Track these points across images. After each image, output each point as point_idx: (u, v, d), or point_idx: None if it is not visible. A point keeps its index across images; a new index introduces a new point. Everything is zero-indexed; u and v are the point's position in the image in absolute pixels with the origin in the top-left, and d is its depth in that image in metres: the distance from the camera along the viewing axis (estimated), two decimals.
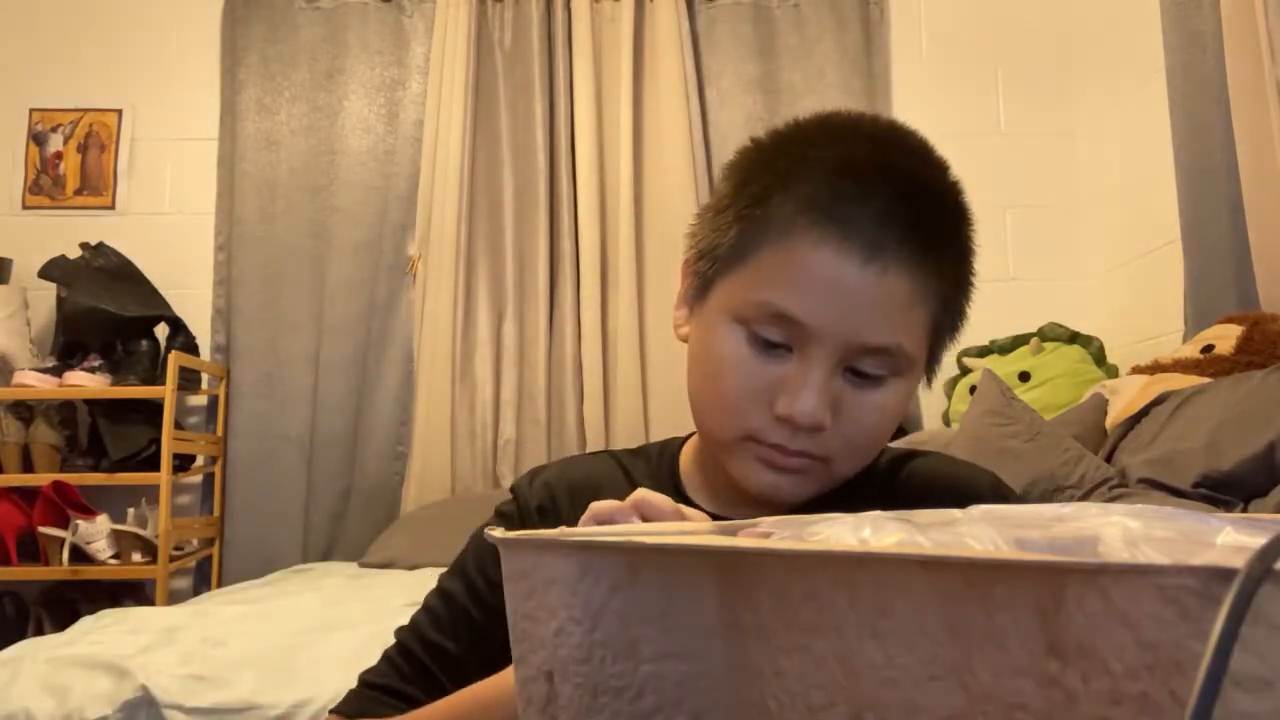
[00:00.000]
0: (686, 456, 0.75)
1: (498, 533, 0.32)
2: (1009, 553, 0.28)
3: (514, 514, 0.75)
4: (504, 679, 0.59)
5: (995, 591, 0.24)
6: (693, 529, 0.34)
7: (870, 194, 0.61)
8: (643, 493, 0.52)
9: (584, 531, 0.31)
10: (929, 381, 0.68)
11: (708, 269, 0.65)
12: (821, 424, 0.61)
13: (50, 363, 2.70)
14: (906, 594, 0.25)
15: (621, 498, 0.64)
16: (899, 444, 2.39)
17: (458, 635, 0.71)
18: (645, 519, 0.51)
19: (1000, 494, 0.71)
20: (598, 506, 0.52)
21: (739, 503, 0.68)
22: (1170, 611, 0.21)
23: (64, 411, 2.76)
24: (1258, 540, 0.23)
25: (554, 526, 0.68)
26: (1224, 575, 0.21)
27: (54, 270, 2.76)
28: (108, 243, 2.83)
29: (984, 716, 0.24)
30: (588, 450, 2.70)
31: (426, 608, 0.74)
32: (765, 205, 0.62)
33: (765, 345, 0.62)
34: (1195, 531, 0.27)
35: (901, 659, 0.25)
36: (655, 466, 0.75)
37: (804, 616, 0.27)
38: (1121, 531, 0.28)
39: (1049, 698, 0.23)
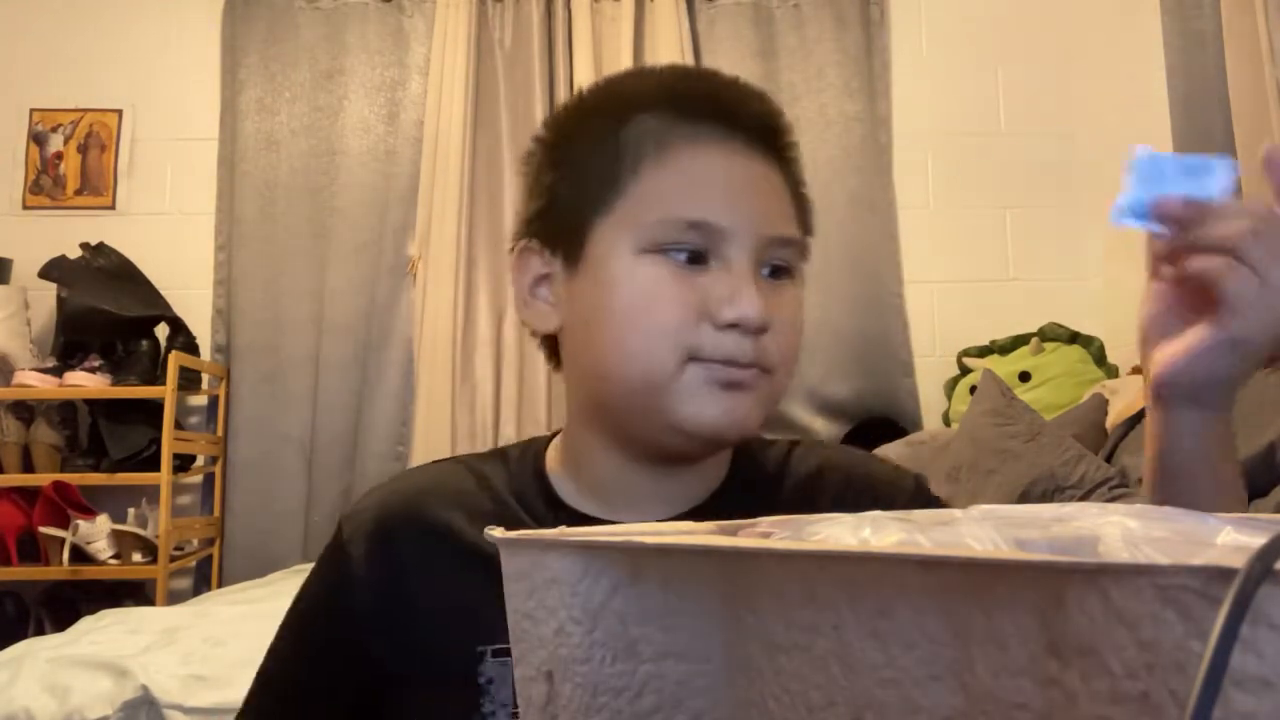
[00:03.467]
0: (553, 456, 0.69)
1: (497, 533, 0.32)
2: (1009, 553, 0.28)
3: (334, 557, 0.68)
4: None
5: (995, 591, 0.24)
6: (692, 529, 0.34)
7: (717, 96, 0.62)
8: None
9: (585, 531, 0.32)
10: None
11: (573, 220, 0.62)
12: (768, 320, 0.59)
13: (50, 363, 2.70)
14: (906, 594, 0.25)
15: (477, 506, 0.62)
16: (896, 444, 2.40)
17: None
18: None
19: (924, 497, 0.68)
20: None
21: (618, 500, 0.65)
22: (1170, 612, 0.21)
23: (64, 411, 2.76)
24: (1258, 540, 0.23)
25: (389, 555, 0.64)
26: (1224, 575, 0.21)
27: (54, 270, 2.76)
28: (108, 243, 2.83)
29: (984, 716, 0.24)
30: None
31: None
32: (620, 133, 0.61)
33: (686, 260, 0.59)
34: (1195, 531, 0.27)
35: (901, 659, 0.25)
36: (517, 468, 0.68)
37: (804, 616, 0.27)
38: (1121, 531, 0.28)
39: (1049, 697, 0.23)
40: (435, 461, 0.73)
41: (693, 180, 0.60)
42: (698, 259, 0.59)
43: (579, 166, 0.62)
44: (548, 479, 0.67)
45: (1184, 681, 0.21)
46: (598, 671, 0.30)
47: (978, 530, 0.29)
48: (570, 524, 0.57)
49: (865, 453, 0.74)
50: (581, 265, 0.62)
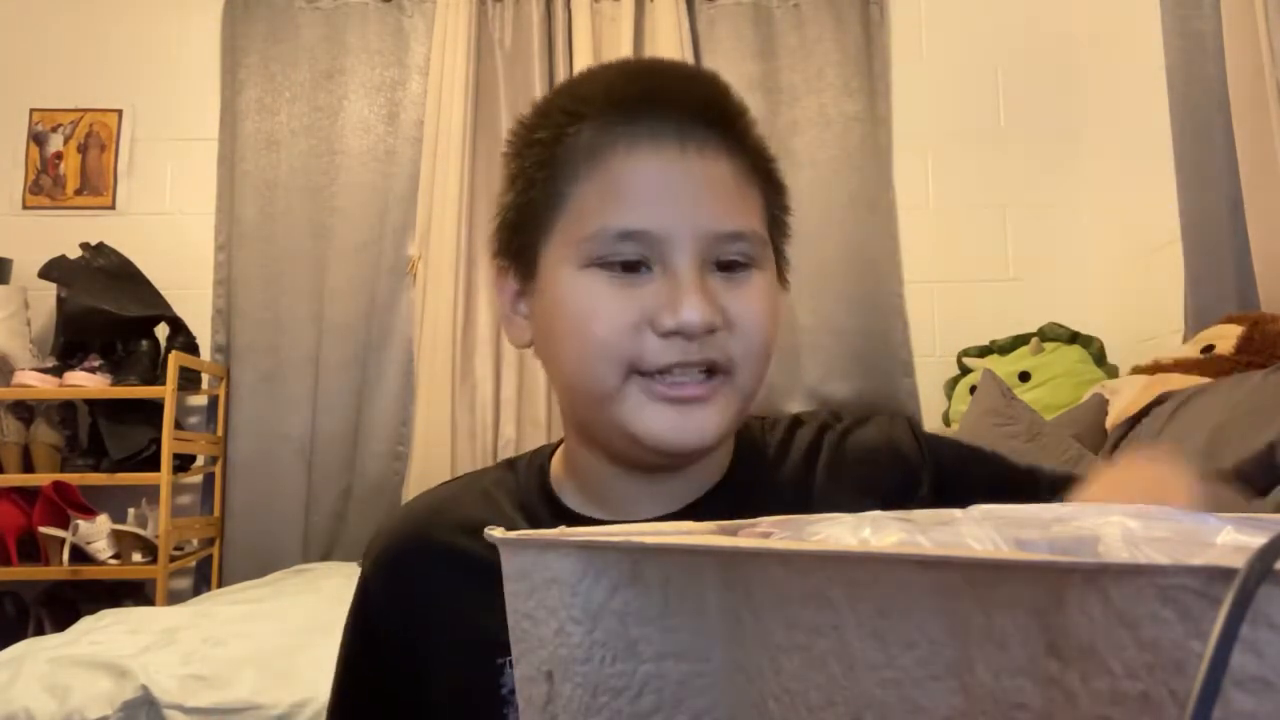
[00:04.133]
0: (557, 465, 0.69)
1: (497, 533, 0.32)
2: (1009, 553, 0.28)
3: (359, 591, 0.70)
4: None
5: (995, 591, 0.24)
6: (692, 529, 0.34)
7: (654, 93, 0.60)
8: None
9: (585, 531, 0.32)
10: (784, 285, 0.66)
11: (526, 242, 0.62)
12: (713, 322, 0.57)
13: (50, 363, 2.70)
14: (906, 594, 0.25)
15: (483, 524, 0.62)
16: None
17: None
18: None
19: (890, 423, 0.69)
20: None
21: (619, 504, 0.65)
22: (1170, 611, 0.21)
23: (64, 411, 2.76)
24: (1258, 540, 0.23)
25: (403, 585, 0.66)
26: (1224, 575, 0.21)
27: (54, 270, 2.76)
28: (108, 243, 2.83)
29: (984, 716, 0.24)
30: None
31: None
32: (556, 149, 0.60)
33: (623, 270, 0.58)
34: (1195, 531, 0.27)
35: (901, 659, 0.25)
36: (524, 480, 0.69)
37: (804, 616, 0.27)
38: (1121, 531, 0.28)
39: (1049, 697, 0.23)
40: (444, 483, 0.74)
41: (622, 189, 0.58)
42: (637, 267, 0.58)
43: (526, 185, 0.62)
44: (552, 488, 0.68)
45: (1184, 681, 0.21)
46: (598, 671, 0.30)
47: (978, 530, 0.29)
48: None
49: (856, 418, 0.72)
50: (536, 283, 0.62)
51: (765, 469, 0.67)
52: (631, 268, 0.58)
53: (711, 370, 0.59)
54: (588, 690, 0.30)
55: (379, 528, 0.72)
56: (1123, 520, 0.29)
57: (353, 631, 0.71)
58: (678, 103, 0.60)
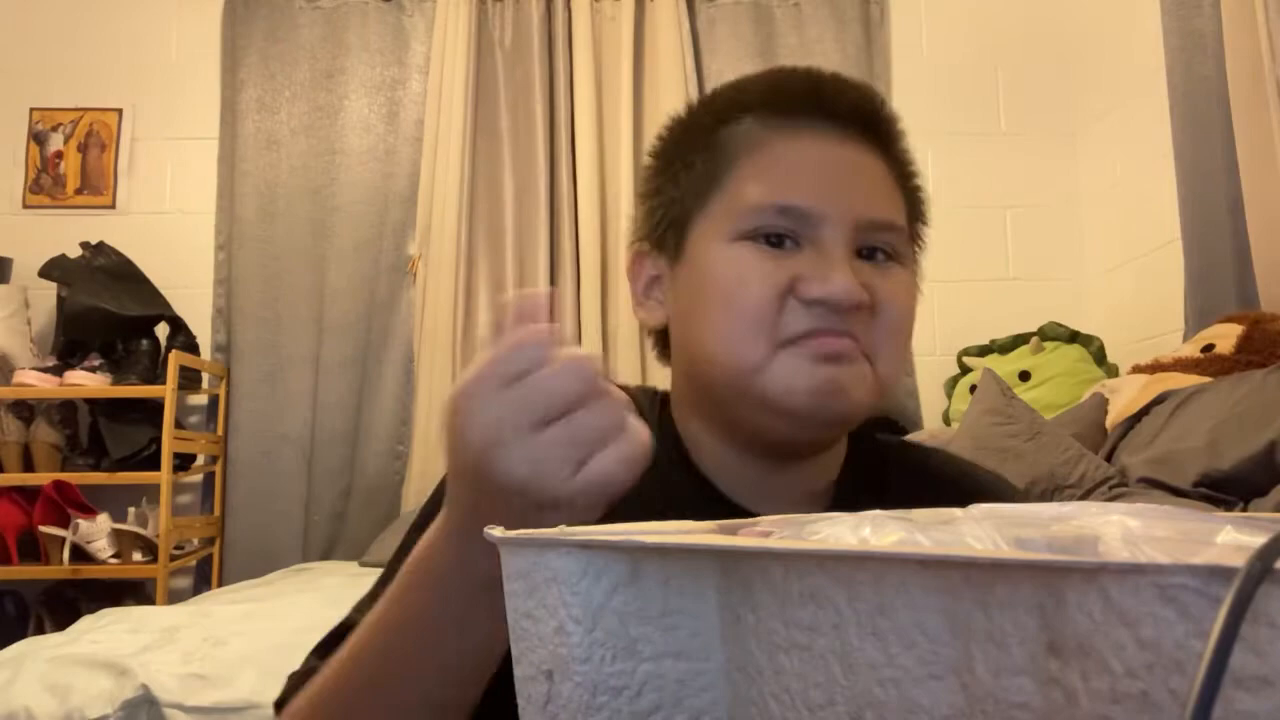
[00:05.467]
0: (686, 427, 0.67)
1: (497, 532, 0.32)
2: (1009, 552, 0.28)
3: None
4: (435, 542, 0.49)
5: (995, 591, 0.24)
6: (692, 528, 0.34)
7: (816, 92, 0.63)
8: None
9: (584, 530, 0.32)
10: (919, 288, 0.67)
11: (677, 219, 0.64)
12: (859, 299, 0.58)
13: (51, 362, 2.70)
14: (906, 593, 0.25)
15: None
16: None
17: None
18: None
19: (1001, 479, 0.71)
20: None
21: (738, 481, 0.64)
22: (1170, 611, 0.22)
23: (64, 411, 2.76)
24: (1258, 539, 0.23)
25: None
26: (1224, 574, 0.21)
27: (54, 270, 2.76)
28: (108, 242, 2.83)
29: (984, 715, 0.24)
30: None
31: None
32: (718, 133, 0.63)
33: (775, 243, 0.60)
34: (1195, 530, 0.28)
35: (901, 658, 0.25)
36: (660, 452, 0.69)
37: (803, 615, 0.27)
38: (1121, 530, 0.28)
39: (1048, 697, 0.23)
40: None
41: (783, 168, 0.61)
42: (783, 242, 0.60)
43: (683, 170, 0.65)
44: (682, 443, 0.66)
45: (1184, 681, 0.21)
46: (597, 670, 0.30)
47: (977, 529, 0.29)
48: (714, 504, 0.61)
49: (967, 461, 0.73)
50: (683, 259, 0.64)
51: (881, 474, 0.68)
52: (778, 242, 0.60)
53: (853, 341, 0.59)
54: (587, 689, 0.30)
55: None
56: (1123, 519, 0.29)
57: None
58: (837, 103, 0.63)
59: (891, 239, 0.62)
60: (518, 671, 0.32)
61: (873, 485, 0.67)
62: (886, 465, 0.69)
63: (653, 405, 0.69)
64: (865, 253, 0.61)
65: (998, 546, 0.29)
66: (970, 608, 0.24)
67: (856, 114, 0.63)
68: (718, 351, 0.60)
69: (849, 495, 0.65)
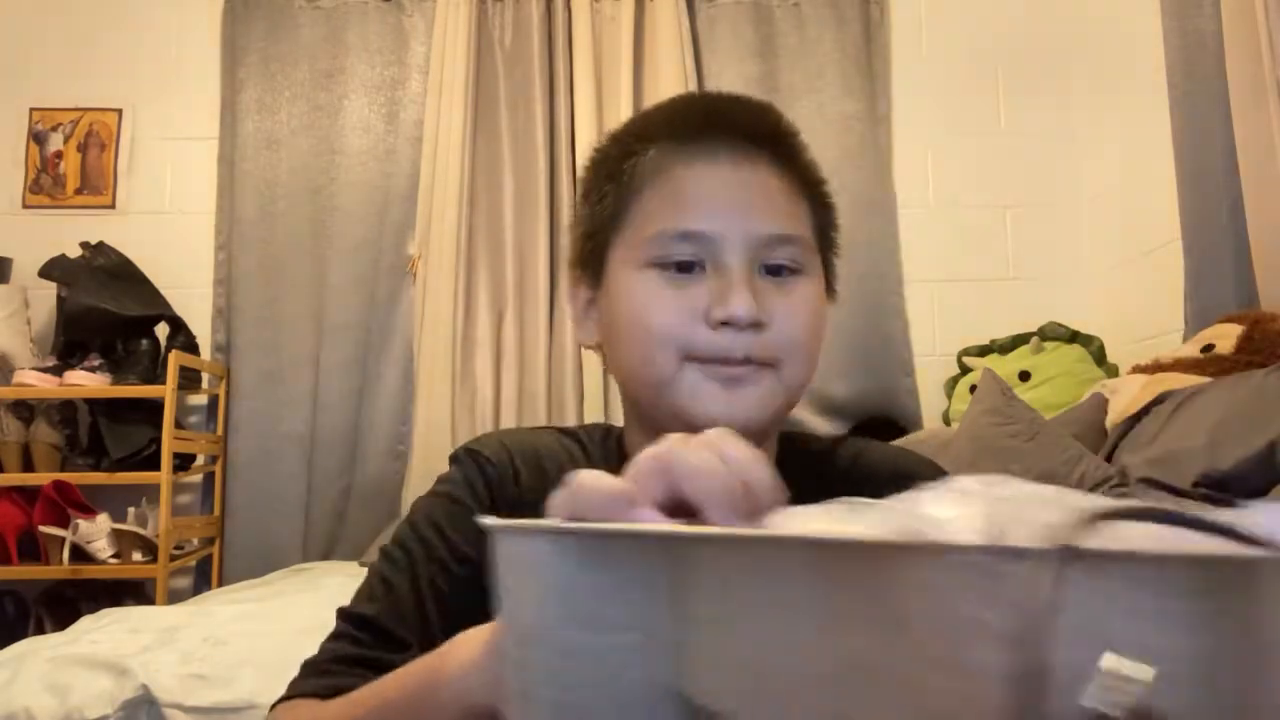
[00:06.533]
0: (627, 443, 0.74)
1: (487, 520, 0.36)
2: (837, 534, 0.31)
3: (474, 478, 0.70)
4: (432, 670, 0.51)
5: (835, 569, 0.29)
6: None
7: (710, 117, 0.67)
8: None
9: (555, 521, 0.37)
10: (831, 295, 0.71)
11: (596, 248, 0.69)
12: (758, 317, 0.62)
13: (50, 362, 2.70)
14: (788, 574, 0.30)
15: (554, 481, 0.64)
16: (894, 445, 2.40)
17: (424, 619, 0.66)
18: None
19: (940, 472, 0.70)
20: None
21: None
22: (976, 586, 0.26)
23: (64, 411, 2.76)
24: (1070, 523, 0.26)
25: (517, 489, 0.69)
26: (1019, 555, 0.25)
27: (54, 270, 2.76)
28: (108, 242, 2.83)
29: (847, 680, 0.28)
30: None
31: (373, 591, 0.68)
32: (625, 164, 0.67)
33: (678, 270, 0.64)
34: (1027, 511, 0.30)
35: (795, 630, 0.30)
36: (597, 456, 0.73)
37: (730, 594, 0.32)
38: (961, 514, 0.31)
39: (887, 664, 0.28)
40: (529, 427, 0.79)
41: (682, 195, 0.65)
42: (690, 268, 0.64)
43: (598, 201, 0.69)
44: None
45: (990, 652, 0.25)
46: (567, 639, 0.34)
47: (873, 514, 0.33)
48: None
49: (900, 448, 0.77)
50: (604, 286, 0.69)
51: (815, 470, 0.71)
52: (685, 268, 0.64)
53: (758, 365, 0.64)
54: (557, 655, 0.34)
55: (485, 435, 0.75)
56: (962, 492, 0.33)
57: (436, 500, 0.70)
58: (731, 125, 0.67)
59: (791, 252, 0.65)
60: (500, 638, 0.37)
61: (809, 480, 0.68)
62: (819, 461, 0.73)
63: (604, 440, 0.75)
64: (772, 269, 0.65)
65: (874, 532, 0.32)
66: (826, 587, 0.29)
67: (752, 134, 0.66)
68: (634, 369, 0.66)
69: (792, 482, 0.67)
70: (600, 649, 0.34)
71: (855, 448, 0.75)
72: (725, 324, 0.62)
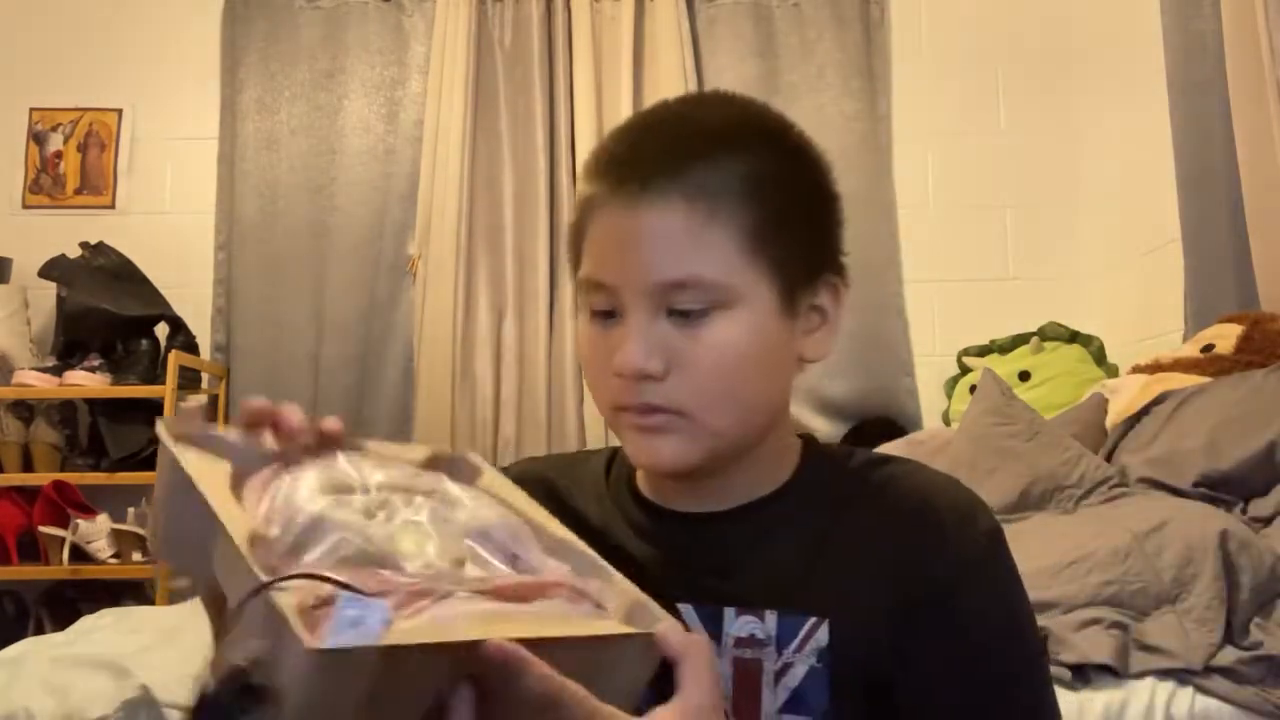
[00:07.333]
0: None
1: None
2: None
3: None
4: None
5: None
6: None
7: (622, 152, 0.66)
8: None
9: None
10: (793, 309, 0.64)
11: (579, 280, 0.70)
12: (643, 369, 0.61)
13: (50, 362, 2.70)
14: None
15: (586, 494, 0.74)
16: (896, 444, 2.40)
17: None
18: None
19: (970, 512, 0.66)
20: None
21: (674, 492, 0.70)
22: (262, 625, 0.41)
23: (64, 411, 2.76)
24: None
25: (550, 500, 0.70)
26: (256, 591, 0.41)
27: (54, 270, 2.76)
28: (108, 242, 2.83)
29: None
30: (587, 448, 2.70)
31: None
32: (580, 207, 0.67)
33: (602, 318, 0.65)
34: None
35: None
36: (615, 466, 0.76)
37: None
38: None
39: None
40: (583, 452, 0.86)
41: (595, 243, 0.65)
42: (611, 314, 0.64)
43: (573, 234, 0.69)
44: (634, 477, 0.74)
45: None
46: (174, 512, 0.53)
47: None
48: (650, 514, 0.70)
49: (944, 478, 0.69)
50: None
51: (827, 491, 0.68)
52: (608, 315, 0.64)
53: (662, 412, 0.63)
54: (174, 523, 0.53)
55: (524, 461, 0.81)
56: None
57: None
58: (639, 158, 0.64)
59: (692, 296, 0.61)
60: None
61: (835, 493, 0.67)
62: (846, 478, 0.69)
63: (611, 459, 0.76)
64: (680, 311, 0.62)
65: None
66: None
67: (655, 163, 0.62)
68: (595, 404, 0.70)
69: (804, 498, 0.68)
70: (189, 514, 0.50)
71: (894, 471, 0.69)
72: (617, 371, 0.62)
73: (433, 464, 0.62)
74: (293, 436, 0.55)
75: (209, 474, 0.51)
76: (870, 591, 0.62)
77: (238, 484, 0.52)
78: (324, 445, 0.56)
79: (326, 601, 0.41)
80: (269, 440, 0.56)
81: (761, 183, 0.63)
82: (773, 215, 0.63)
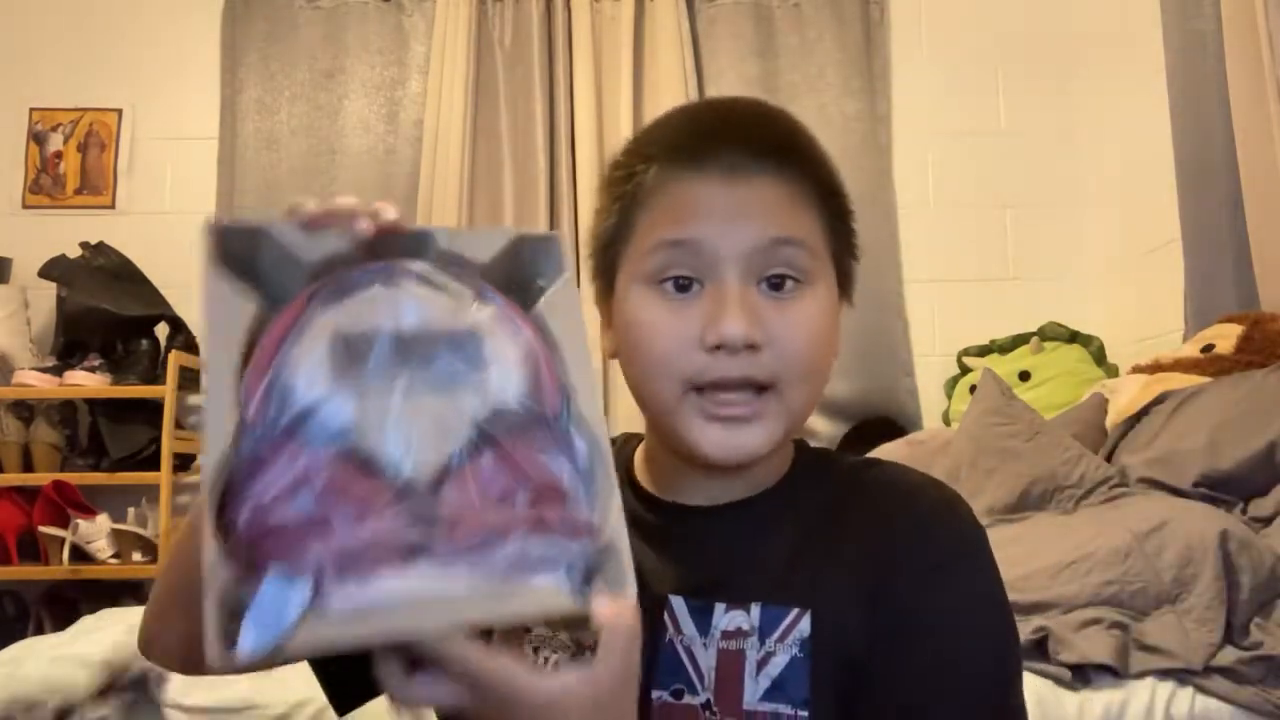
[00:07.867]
0: (640, 450, 0.76)
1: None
2: None
3: None
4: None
5: None
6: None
7: (706, 132, 0.66)
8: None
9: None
10: (848, 298, 0.69)
11: (610, 263, 0.69)
12: (751, 337, 0.61)
13: (50, 362, 2.70)
14: None
15: None
16: (896, 444, 2.40)
17: None
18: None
19: (949, 511, 0.67)
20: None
21: (682, 485, 0.70)
22: None
23: (64, 411, 2.76)
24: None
25: None
26: None
27: (54, 270, 2.76)
28: (108, 242, 2.83)
29: None
30: None
31: None
32: (633, 182, 0.67)
33: (676, 289, 0.63)
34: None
35: None
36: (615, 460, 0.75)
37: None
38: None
39: None
40: None
41: (675, 208, 0.64)
42: (689, 286, 0.63)
43: (606, 217, 0.69)
44: (633, 471, 0.74)
45: None
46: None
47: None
48: (647, 506, 0.70)
49: (927, 478, 0.70)
50: (614, 303, 0.69)
51: (818, 489, 0.69)
52: (684, 287, 0.63)
53: (758, 388, 0.63)
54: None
55: None
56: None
57: None
58: (726, 138, 0.65)
59: (790, 254, 0.63)
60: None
61: (825, 492, 0.69)
62: (835, 478, 0.70)
63: (621, 449, 0.75)
64: (774, 280, 0.63)
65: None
66: None
67: (750, 147, 0.65)
68: (639, 390, 0.67)
69: (795, 496, 0.69)
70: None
71: (879, 473, 0.70)
72: (718, 347, 0.61)
73: (512, 253, 0.55)
74: (349, 228, 0.52)
75: (224, 324, 0.48)
76: (850, 584, 0.63)
77: (258, 331, 0.48)
78: (381, 243, 0.52)
79: (257, 570, 0.42)
80: (328, 241, 0.52)
81: (834, 185, 0.68)
82: (837, 216, 0.68)
